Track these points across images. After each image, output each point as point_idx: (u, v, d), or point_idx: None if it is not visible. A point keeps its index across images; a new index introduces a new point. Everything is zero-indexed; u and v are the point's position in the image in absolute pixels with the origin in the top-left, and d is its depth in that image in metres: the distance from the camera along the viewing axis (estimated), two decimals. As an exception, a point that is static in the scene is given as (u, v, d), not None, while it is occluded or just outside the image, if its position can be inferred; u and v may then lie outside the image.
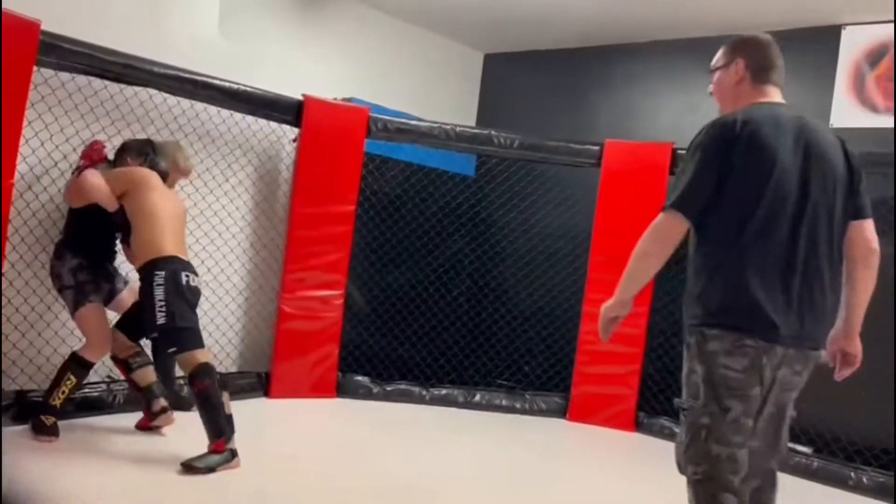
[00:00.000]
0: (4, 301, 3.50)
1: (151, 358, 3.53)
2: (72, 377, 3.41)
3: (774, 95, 2.33)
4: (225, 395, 3.24)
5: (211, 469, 3.10)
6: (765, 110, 2.23)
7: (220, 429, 3.17)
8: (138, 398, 3.61)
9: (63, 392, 3.39)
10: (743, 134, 2.12)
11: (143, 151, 3.55)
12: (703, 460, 2.12)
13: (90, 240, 3.56)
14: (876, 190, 4.19)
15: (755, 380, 2.10)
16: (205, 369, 3.22)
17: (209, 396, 3.17)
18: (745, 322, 2.09)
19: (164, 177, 3.55)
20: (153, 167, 3.51)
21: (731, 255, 2.12)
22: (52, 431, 3.34)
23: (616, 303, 2.37)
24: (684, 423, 2.20)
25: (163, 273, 3.25)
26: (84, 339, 3.51)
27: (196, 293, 3.40)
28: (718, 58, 2.44)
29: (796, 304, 2.13)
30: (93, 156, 3.52)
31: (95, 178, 3.37)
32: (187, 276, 3.33)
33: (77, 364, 3.44)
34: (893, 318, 4.13)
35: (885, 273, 4.15)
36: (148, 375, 3.57)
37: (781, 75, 2.36)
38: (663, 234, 2.23)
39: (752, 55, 2.36)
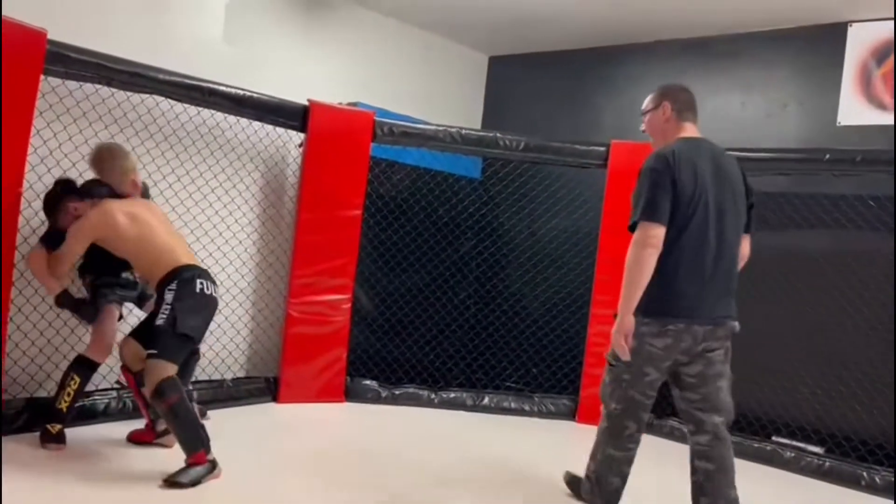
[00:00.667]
0: (13, 309, 3.52)
1: None
2: (76, 377, 3.37)
3: (693, 131, 2.97)
4: (196, 407, 3.18)
5: (195, 482, 3.03)
6: (690, 143, 2.88)
7: (195, 441, 3.09)
8: (144, 413, 3.54)
9: (69, 394, 3.35)
10: (678, 163, 2.76)
11: (81, 192, 3.37)
12: (622, 401, 2.93)
13: (103, 263, 3.53)
14: (882, 188, 4.19)
15: (674, 353, 2.82)
16: (171, 384, 3.08)
17: (178, 411, 3.07)
18: (672, 311, 2.77)
19: (117, 194, 3.38)
20: (98, 196, 3.32)
21: (670, 258, 2.74)
22: (59, 439, 3.32)
23: (622, 323, 2.80)
24: (610, 373, 2.97)
25: (175, 282, 3.21)
26: (90, 341, 3.53)
27: (209, 301, 3.29)
28: (648, 102, 3.08)
29: (714, 293, 2.83)
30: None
31: (36, 264, 3.29)
32: (202, 282, 3.25)
33: (80, 364, 3.42)
34: (893, 318, 4.11)
35: (885, 273, 4.18)
36: None
37: (696, 114, 3.01)
38: (645, 243, 2.71)
39: (675, 99, 3.01)
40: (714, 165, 2.84)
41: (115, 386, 3.91)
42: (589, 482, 3.08)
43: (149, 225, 3.31)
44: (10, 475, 2.88)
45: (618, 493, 3.01)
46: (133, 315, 3.90)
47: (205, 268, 3.39)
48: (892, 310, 4.13)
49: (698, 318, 2.79)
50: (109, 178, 3.42)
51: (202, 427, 3.15)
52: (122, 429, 3.63)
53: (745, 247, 2.99)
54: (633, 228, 2.75)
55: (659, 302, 2.76)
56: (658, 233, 2.71)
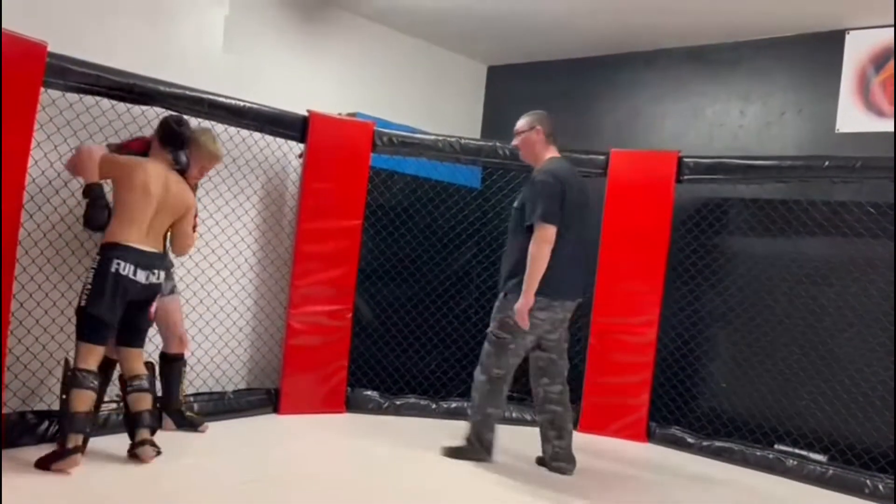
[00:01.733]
0: (15, 322, 3.51)
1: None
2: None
3: (556, 152, 3.87)
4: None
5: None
6: (561, 162, 3.84)
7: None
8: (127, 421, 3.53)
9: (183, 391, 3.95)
10: (562, 178, 3.69)
11: (169, 142, 3.56)
12: (504, 366, 3.81)
13: None
14: (882, 194, 4.20)
15: (550, 324, 3.74)
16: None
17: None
18: (555, 292, 3.66)
19: (184, 170, 3.60)
20: (176, 161, 3.56)
21: (556, 252, 3.59)
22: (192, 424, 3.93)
23: (527, 302, 3.60)
24: (496, 344, 3.79)
25: (98, 259, 3.33)
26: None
27: (126, 283, 3.30)
28: (523, 124, 3.90)
29: (577, 278, 3.83)
30: (130, 145, 3.65)
31: (88, 153, 3.46)
32: (118, 263, 3.29)
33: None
34: (893, 317, 4.10)
35: (886, 280, 4.17)
36: (140, 402, 3.48)
37: (558, 139, 3.91)
38: (545, 240, 3.59)
39: (544, 124, 3.87)
40: (575, 181, 3.78)
41: (116, 399, 3.90)
42: (470, 443, 3.89)
43: (144, 201, 3.41)
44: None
45: (492, 444, 3.90)
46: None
47: (143, 250, 3.40)
48: (892, 317, 4.13)
49: (569, 297, 3.77)
50: (193, 154, 3.67)
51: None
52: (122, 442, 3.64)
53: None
54: (529, 228, 3.63)
55: (547, 285, 3.60)
56: (552, 233, 3.59)
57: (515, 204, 3.89)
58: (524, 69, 6.05)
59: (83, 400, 3.22)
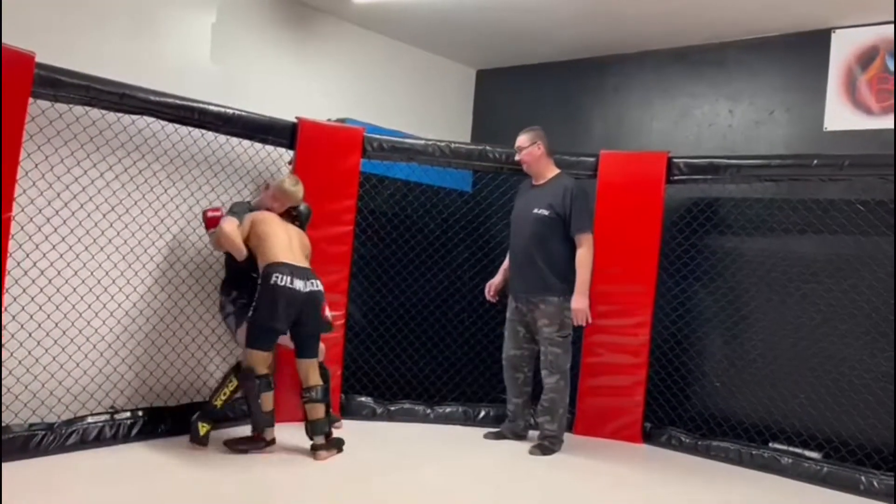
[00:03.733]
0: (7, 336, 3.50)
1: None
2: (234, 380, 3.94)
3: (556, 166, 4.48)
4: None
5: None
6: (567, 177, 4.46)
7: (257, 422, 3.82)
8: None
9: (226, 393, 3.94)
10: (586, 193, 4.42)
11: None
12: (570, 360, 4.39)
13: (242, 276, 4.05)
14: (871, 192, 4.23)
15: (516, 316, 4.44)
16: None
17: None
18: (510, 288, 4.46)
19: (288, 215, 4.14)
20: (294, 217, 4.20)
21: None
22: (203, 441, 3.85)
23: (587, 300, 4.26)
24: (564, 344, 4.34)
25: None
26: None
27: (291, 294, 3.74)
28: (525, 140, 4.41)
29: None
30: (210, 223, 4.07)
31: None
32: (276, 276, 3.74)
33: (240, 370, 3.94)
34: (893, 317, 4.12)
35: (877, 277, 4.20)
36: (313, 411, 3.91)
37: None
38: (593, 247, 4.35)
39: (543, 140, 4.40)
40: None
41: (110, 410, 3.89)
42: (555, 438, 4.34)
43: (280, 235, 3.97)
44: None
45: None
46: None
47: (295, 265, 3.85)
48: (892, 314, 4.14)
49: (515, 296, 4.46)
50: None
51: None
52: (112, 455, 3.61)
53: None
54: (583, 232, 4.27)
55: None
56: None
57: (543, 211, 4.28)
58: (513, 73, 6.07)
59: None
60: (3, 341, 3.44)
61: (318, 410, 3.88)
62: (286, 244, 3.88)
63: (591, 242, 4.26)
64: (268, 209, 4.07)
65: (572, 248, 4.30)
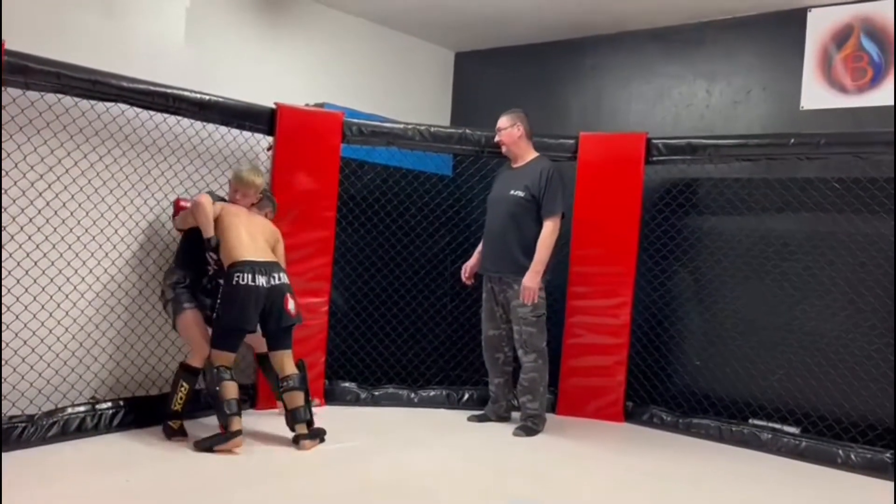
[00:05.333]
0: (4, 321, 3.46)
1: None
2: (184, 384, 3.84)
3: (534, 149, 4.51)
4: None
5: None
6: (545, 160, 4.47)
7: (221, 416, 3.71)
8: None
9: (181, 398, 3.83)
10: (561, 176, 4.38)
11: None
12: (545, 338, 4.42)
13: (189, 262, 4.05)
14: (847, 170, 4.28)
15: (490, 297, 4.49)
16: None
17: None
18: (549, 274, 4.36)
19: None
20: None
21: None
22: (181, 433, 3.80)
23: (538, 281, 4.22)
24: (539, 323, 4.35)
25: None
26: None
27: (254, 291, 3.71)
28: (505, 121, 4.44)
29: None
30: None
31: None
32: (237, 275, 3.72)
33: (186, 372, 3.87)
34: (893, 312, 4.16)
35: (852, 253, 4.25)
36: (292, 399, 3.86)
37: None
38: (557, 231, 4.31)
39: (524, 123, 4.45)
40: None
41: (91, 401, 3.86)
42: (538, 417, 4.37)
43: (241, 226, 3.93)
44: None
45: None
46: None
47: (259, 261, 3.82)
48: (892, 299, 4.16)
49: (486, 272, 4.52)
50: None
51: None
52: (96, 446, 3.59)
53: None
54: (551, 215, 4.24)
55: (550, 269, 4.32)
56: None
57: (519, 192, 4.30)
58: (491, 55, 6.04)
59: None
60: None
61: (297, 398, 3.84)
62: (248, 240, 3.85)
63: (556, 225, 4.25)
64: (234, 202, 4.04)
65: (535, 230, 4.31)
